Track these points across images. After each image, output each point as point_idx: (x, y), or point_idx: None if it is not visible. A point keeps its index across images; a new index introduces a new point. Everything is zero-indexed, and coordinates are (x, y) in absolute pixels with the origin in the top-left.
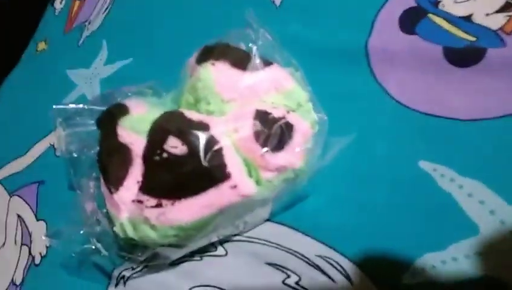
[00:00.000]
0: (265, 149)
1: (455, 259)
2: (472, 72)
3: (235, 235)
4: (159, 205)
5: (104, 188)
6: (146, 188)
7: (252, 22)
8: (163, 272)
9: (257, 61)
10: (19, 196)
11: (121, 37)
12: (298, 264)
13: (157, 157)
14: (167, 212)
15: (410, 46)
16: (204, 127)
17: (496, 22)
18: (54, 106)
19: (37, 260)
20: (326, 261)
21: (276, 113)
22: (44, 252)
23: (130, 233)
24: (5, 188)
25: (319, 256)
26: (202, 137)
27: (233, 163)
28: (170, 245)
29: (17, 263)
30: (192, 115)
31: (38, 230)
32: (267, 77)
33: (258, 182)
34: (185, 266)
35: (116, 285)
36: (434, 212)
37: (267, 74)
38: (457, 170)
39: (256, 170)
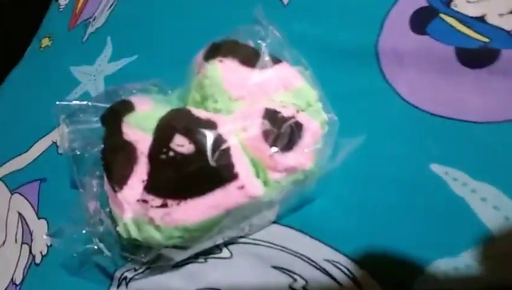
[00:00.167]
0: (274, 149)
1: (468, 266)
2: (485, 74)
3: (241, 237)
4: (164, 205)
5: (107, 187)
6: (151, 187)
7: (261, 19)
8: (167, 274)
9: (266, 58)
10: (20, 193)
11: (126, 33)
12: (305, 268)
13: (163, 156)
14: (172, 213)
15: (421, 47)
16: (212, 125)
17: (510, 22)
18: (57, 103)
19: (38, 259)
20: (334, 265)
21: (285, 112)
22: (45, 251)
23: (134, 234)
24: (6, 186)
25: (327, 260)
26: (210, 136)
27: (241, 163)
28: (174, 246)
29: (17, 262)
30: (199, 113)
31: (39, 229)
32: (276, 75)
33: (265, 183)
34: (189, 268)
35: (118, 286)
36: (446, 217)
37: (276, 71)
38: (470, 173)
39: (264, 171)
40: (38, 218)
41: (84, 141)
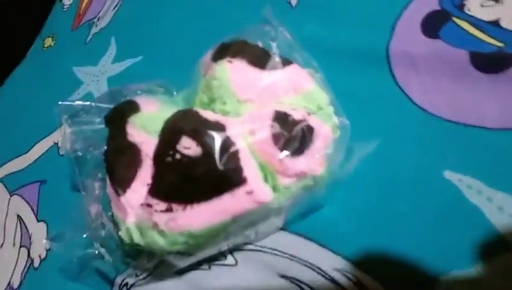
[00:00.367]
0: (285, 153)
1: (484, 277)
2: (500, 79)
3: (246, 243)
4: (168, 210)
5: (110, 190)
6: (155, 191)
7: (270, 19)
8: (169, 281)
9: (276, 59)
10: (19, 195)
11: (131, 34)
12: (313, 277)
13: (169, 158)
14: (177, 218)
15: (433, 51)
16: (220, 127)
17: None
18: (60, 103)
19: (36, 263)
20: (344, 275)
21: (295, 115)
22: (44, 255)
23: (137, 239)
24: (6, 187)
25: (337, 269)
26: (218, 138)
27: (250, 167)
28: (178, 253)
29: (15, 265)
30: (207, 114)
31: (39, 231)
32: (286, 76)
33: (274, 189)
34: (192, 275)
35: None
36: (461, 226)
37: (287, 73)
38: (486, 181)
39: (272, 175)
40: (38, 221)
41: (86, 142)
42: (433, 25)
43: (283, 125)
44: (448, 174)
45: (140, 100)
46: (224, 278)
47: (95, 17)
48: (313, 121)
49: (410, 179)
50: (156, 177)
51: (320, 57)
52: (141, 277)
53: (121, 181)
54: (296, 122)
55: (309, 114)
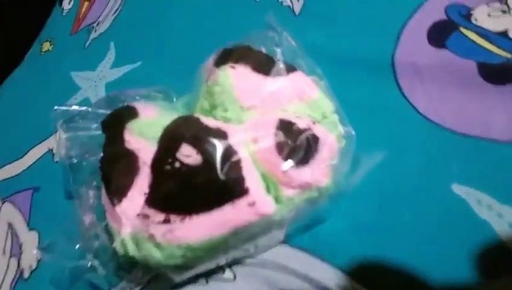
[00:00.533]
0: (289, 163)
1: None
2: (509, 90)
3: (246, 257)
4: (166, 221)
5: (105, 199)
6: (153, 200)
7: (274, 25)
8: None
9: (281, 66)
10: (11, 202)
11: (130, 39)
12: None
13: (167, 167)
14: (175, 230)
15: (439, 60)
16: (222, 135)
17: None
18: (56, 107)
19: (26, 274)
20: None
21: (300, 123)
22: (34, 265)
23: (132, 251)
24: None
25: (339, 286)
26: (219, 146)
27: (252, 177)
28: (175, 266)
29: (4, 276)
30: (209, 121)
31: (30, 241)
32: (290, 83)
33: (277, 200)
34: (189, 289)
35: None
36: (470, 243)
37: (291, 80)
38: (496, 196)
39: (275, 186)
40: (29, 229)
41: (82, 149)
42: (439, 35)
43: (287, 134)
44: (456, 188)
45: (139, 105)
46: None
47: (94, 22)
48: (318, 130)
49: (415, 192)
50: (153, 186)
51: (323, 65)
52: None
53: (117, 190)
54: (300, 131)
55: (314, 123)
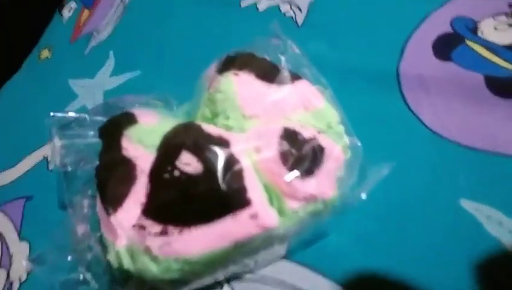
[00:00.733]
0: (293, 173)
1: None
2: None
3: (245, 272)
4: (163, 233)
5: (100, 208)
6: (150, 211)
7: (278, 33)
8: None
9: (285, 73)
10: (3, 211)
11: (129, 48)
12: None
13: (166, 175)
14: (173, 242)
15: (445, 73)
16: (224, 143)
17: None
18: (52, 113)
19: (15, 287)
20: None
21: (305, 133)
22: (24, 277)
23: (127, 264)
24: None
25: None
26: (221, 154)
27: (254, 188)
28: (171, 281)
29: None
30: (210, 128)
31: (20, 252)
32: (295, 92)
33: (280, 212)
34: None
35: None
36: (479, 259)
37: (296, 89)
38: (506, 212)
39: (279, 198)
40: (20, 240)
41: (77, 156)
42: (445, 47)
43: (292, 144)
44: (464, 203)
45: (138, 112)
46: None
47: (94, 31)
48: (323, 140)
49: (424, 207)
50: (151, 195)
51: (327, 77)
52: None
53: (112, 199)
54: (306, 141)
55: (319, 132)
